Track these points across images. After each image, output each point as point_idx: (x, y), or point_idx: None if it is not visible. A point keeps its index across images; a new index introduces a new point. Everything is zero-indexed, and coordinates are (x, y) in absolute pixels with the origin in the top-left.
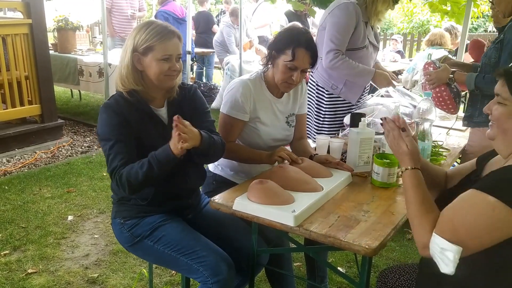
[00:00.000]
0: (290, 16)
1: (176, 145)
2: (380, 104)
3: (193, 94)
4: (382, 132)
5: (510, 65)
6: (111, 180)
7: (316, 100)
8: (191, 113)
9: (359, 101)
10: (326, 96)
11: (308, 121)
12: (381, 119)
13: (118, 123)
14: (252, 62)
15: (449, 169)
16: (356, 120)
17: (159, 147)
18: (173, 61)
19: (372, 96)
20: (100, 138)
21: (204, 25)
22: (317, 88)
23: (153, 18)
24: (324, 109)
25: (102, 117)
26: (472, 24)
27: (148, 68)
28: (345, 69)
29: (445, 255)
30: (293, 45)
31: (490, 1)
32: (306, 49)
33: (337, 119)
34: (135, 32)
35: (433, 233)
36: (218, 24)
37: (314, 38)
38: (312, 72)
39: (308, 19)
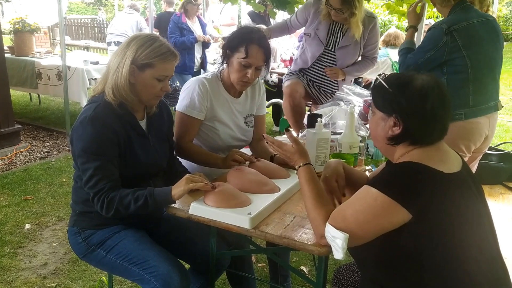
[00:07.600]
0: (254, 16)
1: (186, 186)
2: (337, 105)
3: (168, 110)
4: (339, 132)
5: None
6: (94, 200)
7: None
8: (167, 131)
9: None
10: None
11: None
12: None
13: (108, 139)
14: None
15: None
16: (313, 121)
17: (142, 160)
18: (166, 82)
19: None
20: (83, 153)
21: (163, 25)
22: None
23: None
24: None
25: (88, 131)
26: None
27: (140, 83)
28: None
29: (336, 243)
30: (246, 43)
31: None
32: (259, 46)
33: None
34: (138, 45)
35: (327, 223)
36: None
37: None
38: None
39: (271, 19)
